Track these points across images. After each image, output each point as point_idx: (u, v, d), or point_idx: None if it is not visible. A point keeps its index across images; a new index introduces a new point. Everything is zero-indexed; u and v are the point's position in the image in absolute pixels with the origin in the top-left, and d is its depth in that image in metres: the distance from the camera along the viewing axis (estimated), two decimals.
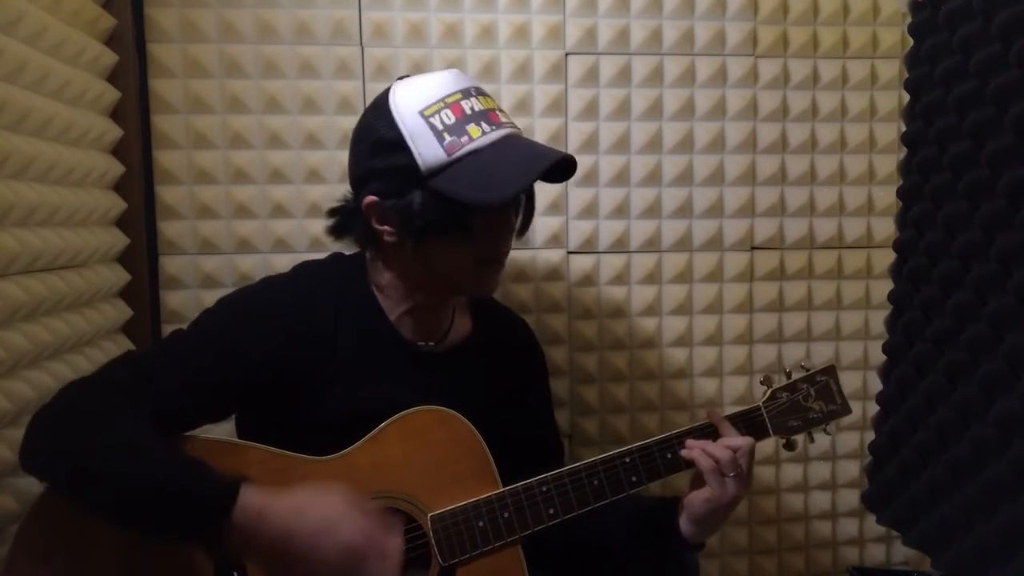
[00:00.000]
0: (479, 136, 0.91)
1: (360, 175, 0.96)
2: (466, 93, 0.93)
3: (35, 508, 0.85)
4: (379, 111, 0.94)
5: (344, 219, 1.04)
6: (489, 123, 0.93)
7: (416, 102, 0.92)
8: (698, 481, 0.99)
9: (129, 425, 0.82)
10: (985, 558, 0.97)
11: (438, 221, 0.91)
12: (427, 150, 0.90)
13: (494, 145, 0.92)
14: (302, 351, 0.95)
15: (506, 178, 0.89)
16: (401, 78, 0.97)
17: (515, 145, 0.94)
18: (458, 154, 0.90)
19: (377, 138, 0.93)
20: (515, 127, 0.96)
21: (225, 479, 0.79)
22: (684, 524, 0.99)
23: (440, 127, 0.90)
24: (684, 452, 0.99)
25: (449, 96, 0.92)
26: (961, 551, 1.02)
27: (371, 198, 0.94)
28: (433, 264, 0.97)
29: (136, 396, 0.85)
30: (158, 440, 0.82)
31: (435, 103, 0.91)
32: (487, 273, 1.00)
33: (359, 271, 1.03)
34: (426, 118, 0.90)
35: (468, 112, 0.92)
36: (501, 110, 0.96)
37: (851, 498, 1.54)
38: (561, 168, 0.95)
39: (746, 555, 1.53)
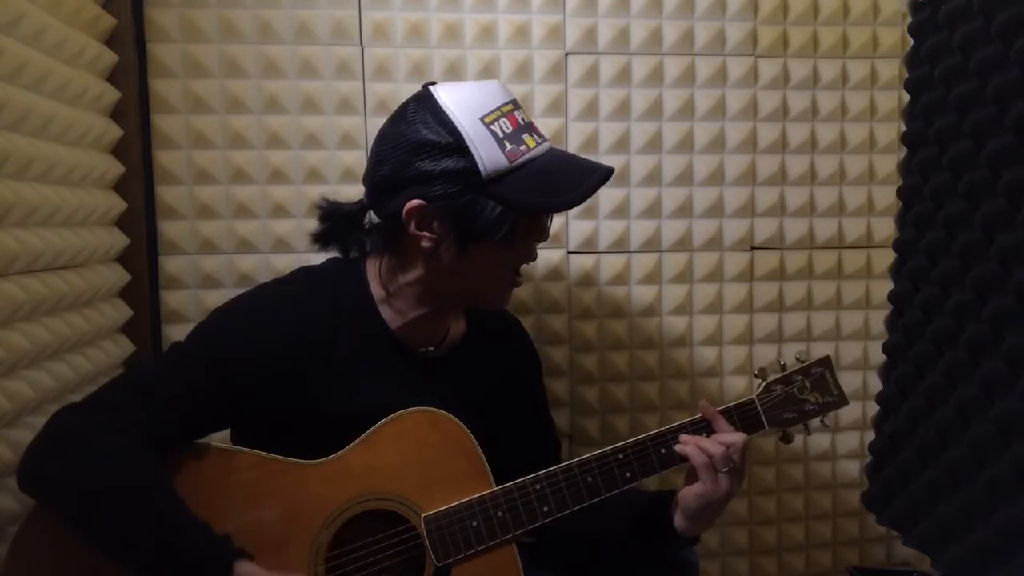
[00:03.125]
0: (534, 146, 0.94)
1: (399, 178, 0.93)
2: (515, 105, 0.96)
3: (35, 508, 0.85)
4: (425, 114, 0.92)
5: (339, 224, 1.03)
6: (537, 135, 0.96)
7: (474, 109, 0.92)
8: (692, 476, 0.99)
9: (133, 465, 0.84)
10: (985, 558, 0.97)
11: (496, 226, 0.92)
12: (489, 156, 0.90)
13: (546, 155, 0.96)
14: (300, 357, 0.95)
15: (567, 184, 0.94)
16: (432, 83, 0.96)
17: (562, 156, 0.99)
18: (518, 162, 0.92)
19: (426, 141, 0.91)
20: (550, 141, 1.00)
21: (218, 554, 0.82)
22: (678, 519, 0.99)
23: (500, 135, 0.92)
24: (678, 447, 0.99)
25: (504, 106, 0.94)
26: (961, 551, 1.02)
27: (416, 202, 0.92)
28: (468, 271, 0.97)
29: (136, 418, 0.87)
30: (159, 491, 0.85)
31: (494, 111, 0.93)
32: (511, 285, 1.02)
33: (358, 276, 1.03)
34: (487, 125, 0.91)
35: (521, 123, 0.95)
36: None
37: (851, 498, 1.54)
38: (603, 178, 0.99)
39: (746, 555, 1.53)
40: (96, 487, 0.82)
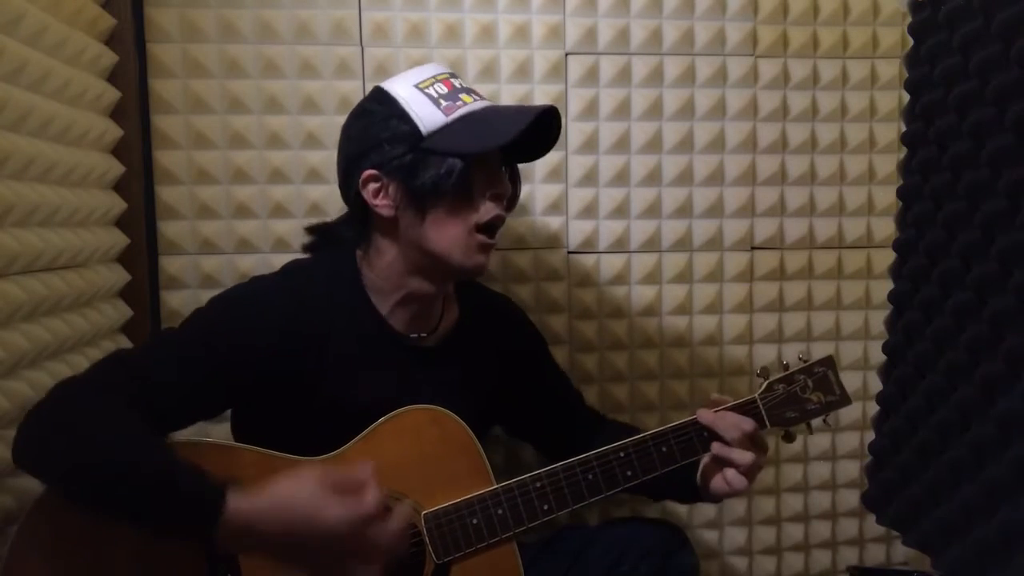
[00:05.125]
0: (471, 102, 0.98)
1: (355, 154, 1.00)
2: (451, 75, 1.02)
3: (35, 508, 0.85)
4: (370, 104, 1.01)
5: (325, 235, 1.10)
6: (476, 96, 1.00)
7: (409, 80, 0.99)
8: (714, 468, 1.03)
9: (123, 423, 0.82)
10: (985, 558, 0.96)
11: (442, 178, 0.94)
12: (426, 114, 0.96)
13: (485, 109, 0.99)
14: (295, 350, 0.95)
15: (500, 128, 0.96)
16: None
17: (503, 108, 1.04)
18: (455, 115, 0.96)
19: (372, 117, 0.99)
20: (492, 102, 1.04)
21: (212, 486, 0.79)
22: (706, 496, 1.06)
23: (435, 95, 0.97)
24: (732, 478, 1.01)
25: (439, 75, 1.01)
26: (961, 551, 1.02)
27: (369, 171, 0.97)
28: (431, 235, 0.98)
29: (129, 393, 0.86)
30: (150, 440, 0.83)
31: (427, 79, 0.99)
32: (480, 246, 1.00)
33: (349, 268, 1.04)
34: (422, 89, 0.97)
35: (457, 87, 1.00)
36: None
37: (851, 498, 1.54)
38: (549, 128, 1.02)
39: (746, 555, 1.53)
40: (86, 444, 0.80)
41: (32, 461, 0.83)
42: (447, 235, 0.98)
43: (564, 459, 1.00)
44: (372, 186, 0.98)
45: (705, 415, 1.03)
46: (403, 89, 0.98)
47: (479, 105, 0.98)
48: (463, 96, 0.98)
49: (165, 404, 0.89)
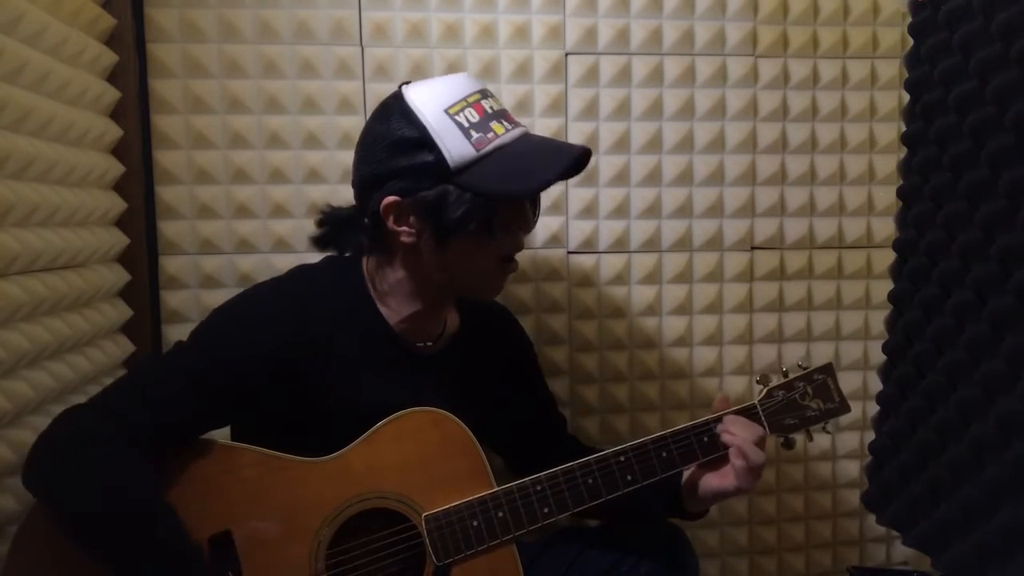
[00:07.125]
0: (503, 133, 0.94)
1: (376, 176, 0.95)
2: (483, 94, 0.96)
3: (36, 508, 0.85)
4: (394, 113, 0.95)
5: (336, 227, 1.05)
6: (508, 122, 0.96)
7: (438, 101, 0.93)
8: (711, 469, 1.03)
9: (130, 484, 0.83)
10: (985, 558, 0.96)
11: (467, 216, 0.92)
12: (455, 147, 0.91)
13: (516, 142, 0.95)
14: (300, 357, 0.95)
15: (534, 169, 0.92)
16: (405, 83, 0.98)
17: (534, 141, 0.98)
18: (486, 150, 0.92)
19: (397, 138, 0.93)
20: (525, 127, 0.99)
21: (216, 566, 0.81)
22: (689, 504, 1.05)
23: (466, 124, 0.92)
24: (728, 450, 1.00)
25: (470, 96, 0.95)
26: (961, 551, 1.02)
27: (391, 198, 0.94)
28: (452, 264, 0.97)
29: (138, 424, 0.86)
30: (155, 506, 0.84)
31: (458, 102, 0.93)
32: (503, 273, 1.01)
33: (355, 274, 1.03)
34: (451, 116, 0.92)
35: (489, 111, 0.95)
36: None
37: (851, 498, 1.54)
38: (578, 161, 0.99)
39: (746, 555, 1.53)
40: (93, 500, 0.81)
41: (40, 499, 0.85)
42: (469, 266, 0.98)
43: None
44: (393, 213, 0.95)
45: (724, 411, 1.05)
46: (432, 114, 0.92)
47: (510, 136, 0.94)
48: (494, 125, 0.93)
49: (176, 423, 0.90)
